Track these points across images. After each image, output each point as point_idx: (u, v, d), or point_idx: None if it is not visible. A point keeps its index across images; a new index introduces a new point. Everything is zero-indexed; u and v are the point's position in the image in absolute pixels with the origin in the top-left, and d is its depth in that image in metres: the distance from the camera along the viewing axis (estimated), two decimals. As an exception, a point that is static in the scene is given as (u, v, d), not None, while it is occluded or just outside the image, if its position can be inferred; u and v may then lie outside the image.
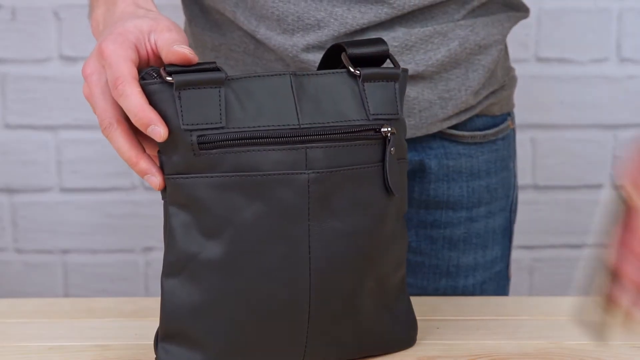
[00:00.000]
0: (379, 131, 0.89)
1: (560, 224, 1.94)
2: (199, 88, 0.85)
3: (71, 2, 1.82)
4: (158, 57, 0.89)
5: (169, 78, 0.85)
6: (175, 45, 0.86)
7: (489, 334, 1.00)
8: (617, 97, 1.88)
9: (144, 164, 0.87)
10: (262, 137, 0.85)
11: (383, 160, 0.89)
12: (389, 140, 0.89)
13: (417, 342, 0.97)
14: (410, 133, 1.11)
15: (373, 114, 0.89)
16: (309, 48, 1.05)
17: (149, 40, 0.89)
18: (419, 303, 1.03)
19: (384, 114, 0.90)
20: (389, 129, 0.89)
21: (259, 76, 0.87)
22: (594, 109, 1.89)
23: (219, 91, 0.85)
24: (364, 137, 0.89)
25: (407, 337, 0.97)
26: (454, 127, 1.14)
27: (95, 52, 0.88)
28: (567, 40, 1.85)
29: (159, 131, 0.84)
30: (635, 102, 1.89)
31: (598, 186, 1.93)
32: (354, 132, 0.88)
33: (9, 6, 1.81)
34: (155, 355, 0.91)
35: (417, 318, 0.98)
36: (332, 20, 1.04)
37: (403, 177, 0.93)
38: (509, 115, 1.20)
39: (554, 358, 0.95)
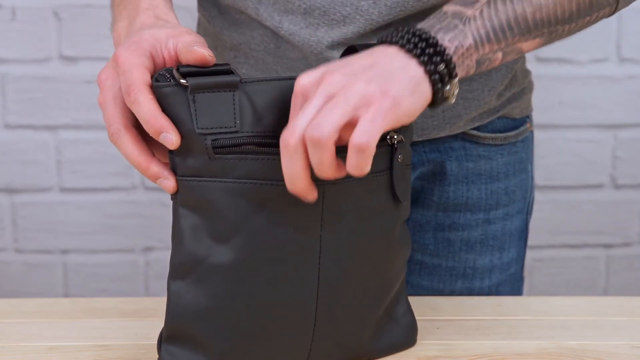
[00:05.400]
0: (385, 139, 0.88)
1: (560, 224, 1.94)
2: (213, 91, 0.84)
3: (71, 2, 1.82)
4: (175, 63, 0.89)
5: (183, 81, 0.84)
6: (195, 46, 0.86)
7: (489, 334, 1.00)
8: (617, 97, 1.88)
9: (155, 167, 0.86)
10: (277, 146, 0.84)
11: (391, 168, 0.89)
12: (396, 147, 0.89)
13: (417, 342, 0.97)
14: (433, 133, 1.11)
15: None
16: (333, 45, 1.04)
17: (165, 46, 0.88)
18: (419, 303, 1.03)
19: None
20: (395, 136, 0.88)
21: (270, 80, 0.87)
22: (594, 109, 1.89)
23: (233, 95, 0.85)
24: None
25: (407, 337, 0.97)
26: (476, 128, 1.14)
27: (111, 59, 0.88)
28: (567, 40, 1.85)
29: (171, 139, 0.84)
30: (635, 102, 1.89)
31: (598, 186, 1.93)
32: None
33: (9, 6, 1.81)
34: (157, 356, 0.90)
35: (417, 318, 0.98)
36: (357, 16, 1.03)
37: (408, 182, 0.93)
38: (527, 117, 1.20)
39: (553, 358, 0.95)
